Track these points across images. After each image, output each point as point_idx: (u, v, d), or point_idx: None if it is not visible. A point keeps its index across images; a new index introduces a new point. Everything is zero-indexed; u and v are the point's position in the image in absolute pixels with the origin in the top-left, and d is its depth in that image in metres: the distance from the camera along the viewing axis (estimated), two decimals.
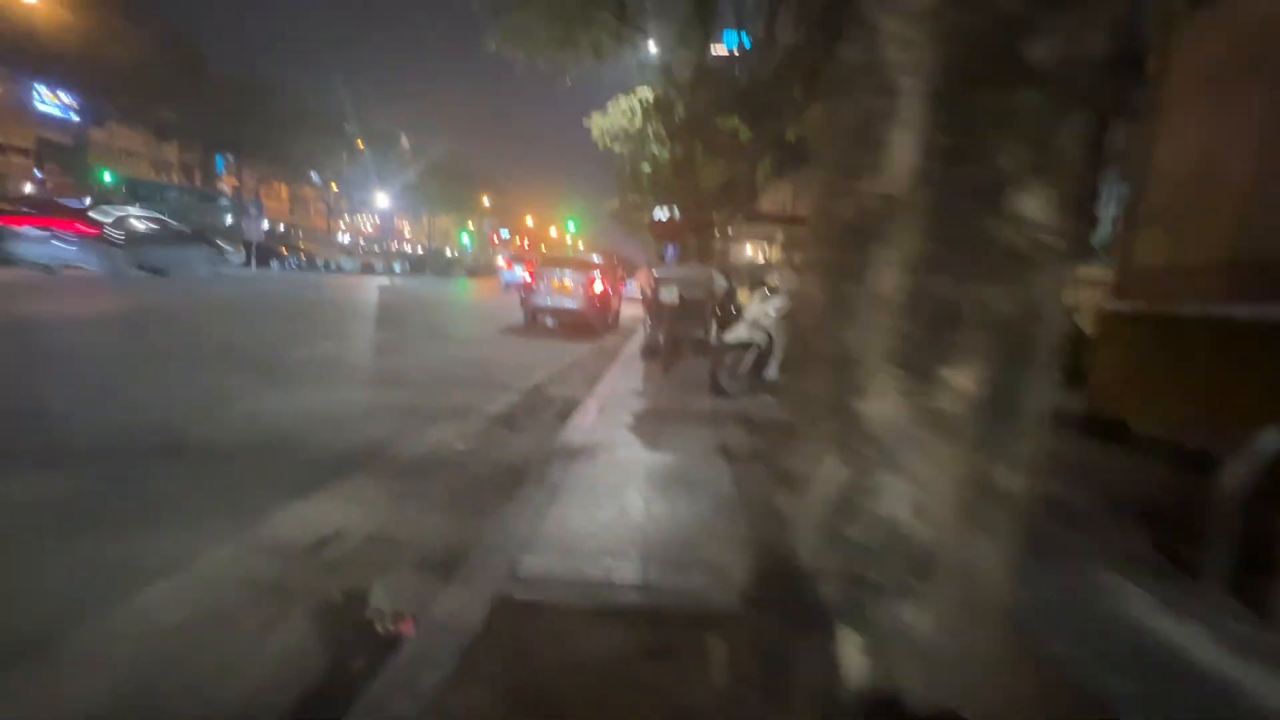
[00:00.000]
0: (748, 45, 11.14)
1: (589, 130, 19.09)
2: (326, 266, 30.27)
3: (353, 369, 5.04)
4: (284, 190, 41.83)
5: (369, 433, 3.19)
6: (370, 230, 49.28)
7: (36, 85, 28.24)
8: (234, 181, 35.12)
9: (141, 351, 4.89)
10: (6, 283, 8.59)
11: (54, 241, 10.52)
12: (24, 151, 28.56)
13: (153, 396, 3.50)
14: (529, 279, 9.57)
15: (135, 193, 26.06)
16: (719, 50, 12.95)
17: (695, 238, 7.31)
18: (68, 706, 1.20)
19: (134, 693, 1.25)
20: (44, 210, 11.15)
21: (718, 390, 4.51)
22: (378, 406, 3.77)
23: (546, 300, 9.13)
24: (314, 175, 36.18)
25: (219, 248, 15.14)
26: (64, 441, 2.61)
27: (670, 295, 5.67)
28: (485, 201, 51.37)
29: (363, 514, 2.16)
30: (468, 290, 22.66)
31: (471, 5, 10.72)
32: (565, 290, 9.19)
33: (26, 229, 10.41)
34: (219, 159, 36.94)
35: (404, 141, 46.31)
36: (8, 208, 11.12)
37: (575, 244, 60.46)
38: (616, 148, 19.44)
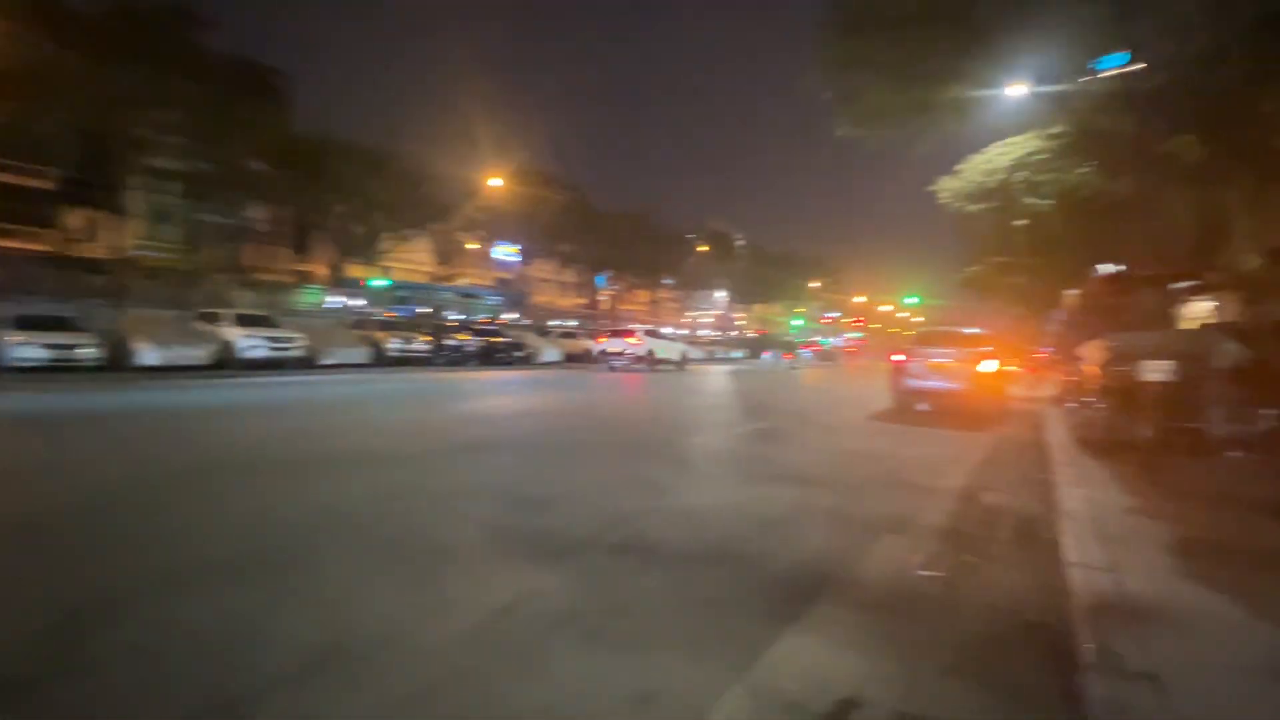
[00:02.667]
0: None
1: (932, 200, 17.93)
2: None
3: (745, 460, 4.93)
4: (644, 295, 49.47)
5: (811, 543, 2.82)
6: (707, 321, 54.56)
7: (499, 243, 40.12)
8: (611, 292, 43.20)
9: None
10: None
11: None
12: (489, 287, 40.35)
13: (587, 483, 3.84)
14: (902, 358, 8.73)
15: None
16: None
17: (1158, 296, 5.42)
18: None
19: None
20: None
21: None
22: (800, 509, 3.42)
23: (925, 382, 8.05)
24: (666, 280, 42.03)
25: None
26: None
27: (1159, 371, 4.12)
28: (817, 284, 52.00)
29: (866, 673, 1.67)
30: (805, 375, 22.44)
31: (822, 96, 11.05)
32: (947, 371, 7.99)
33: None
34: (599, 278, 46.03)
35: (738, 239, 50.74)
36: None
37: (923, 319, 56.49)
38: (972, 208, 17.50)
